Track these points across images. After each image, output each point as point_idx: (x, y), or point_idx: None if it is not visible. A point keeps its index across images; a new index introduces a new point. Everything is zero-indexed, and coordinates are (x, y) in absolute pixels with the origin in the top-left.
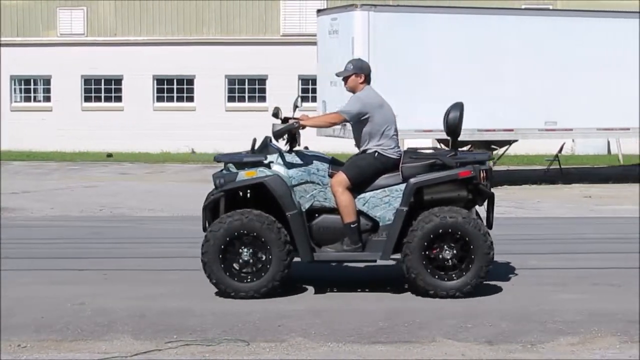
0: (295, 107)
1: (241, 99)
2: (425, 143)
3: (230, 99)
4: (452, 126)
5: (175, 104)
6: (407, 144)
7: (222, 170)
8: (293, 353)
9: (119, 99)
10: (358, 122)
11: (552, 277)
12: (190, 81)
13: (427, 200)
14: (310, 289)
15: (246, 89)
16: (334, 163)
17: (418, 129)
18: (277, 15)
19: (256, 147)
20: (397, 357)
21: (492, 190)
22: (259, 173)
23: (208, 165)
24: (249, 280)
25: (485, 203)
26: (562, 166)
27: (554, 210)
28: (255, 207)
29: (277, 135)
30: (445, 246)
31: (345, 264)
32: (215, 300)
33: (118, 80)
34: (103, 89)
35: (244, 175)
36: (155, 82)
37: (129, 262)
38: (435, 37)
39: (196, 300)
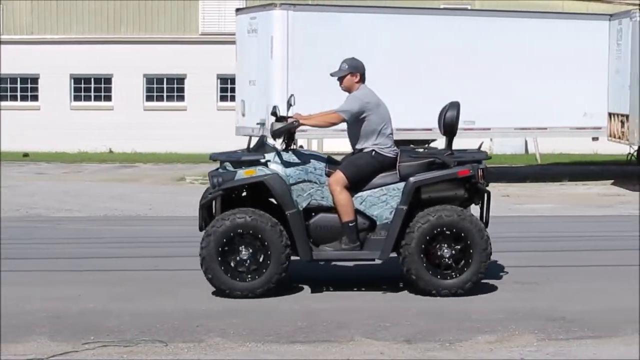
0: (290, 105)
1: (159, 98)
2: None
3: (149, 98)
4: (449, 125)
5: (92, 103)
6: (327, 144)
7: (217, 169)
8: (211, 353)
9: (35, 98)
10: (355, 121)
11: None
12: (108, 80)
13: (425, 199)
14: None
15: (164, 88)
16: (331, 162)
17: (337, 128)
18: (195, 14)
19: (251, 145)
20: (315, 356)
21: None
22: (258, 172)
23: (126, 164)
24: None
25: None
26: None
27: (472, 209)
28: (251, 206)
29: (277, 134)
30: (443, 245)
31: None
32: (132, 301)
33: (34, 79)
34: (19, 88)
35: (243, 174)
36: (72, 81)
37: (46, 263)
38: (355, 36)
39: (114, 301)
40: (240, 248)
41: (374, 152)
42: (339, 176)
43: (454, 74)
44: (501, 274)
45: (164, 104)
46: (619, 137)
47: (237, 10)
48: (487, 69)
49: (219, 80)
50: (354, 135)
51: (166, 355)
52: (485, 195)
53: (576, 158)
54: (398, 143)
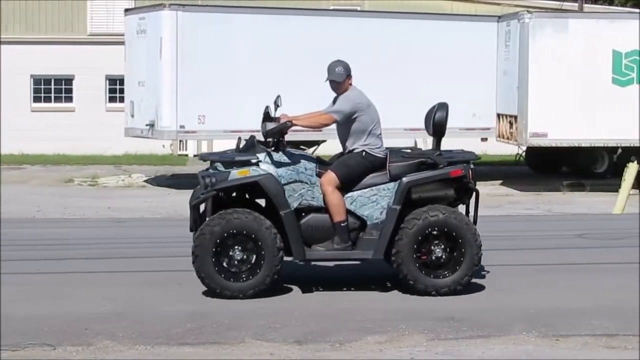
0: (277, 106)
1: (47, 99)
2: (232, 144)
3: (36, 99)
4: (439, 126)
5: None
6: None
7: (207, 169)
8: (100, 356)
9: None
10: (346, 122)
11: (359, 276)
12: None
13: (415, 199)
14: (119, 290)
15: (52, 89)
16: (320, 162)
17: (226, 129)
18: (84, 15)
19: (241, 146)
20: (206, 357)
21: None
22: (252, 172)
23: (13, 166)
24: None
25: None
26: None
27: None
28: (239, 207)
29: (271, 134)
30: (435, 244)
31: None
32: (19, 304)
33: None
34: None
35: (237, 174)
36: None
37: None
38: (244, 37)
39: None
40: (234, 248)
41: (364, 153)
42: (330, 176)
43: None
44: (388, 275)
45: (52, 105)
46: (508, 138)
47: (126, 10)
48: (376, 70)
49: (107, 81)
50: (344, 135)
51: (54, 358)
52: (474, 194)
53: None
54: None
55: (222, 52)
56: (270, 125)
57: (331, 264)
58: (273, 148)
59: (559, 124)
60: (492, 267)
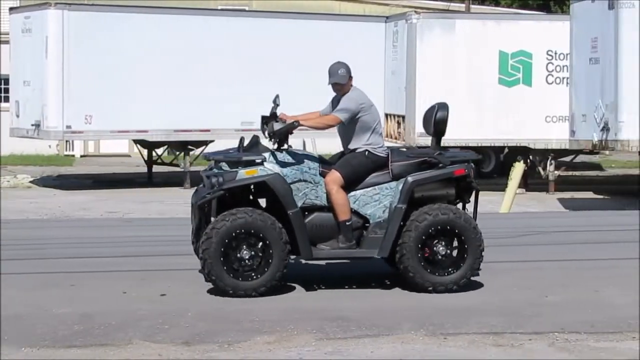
0: (276, 105)
1: None
2: (123, 144)
3: None
4: (440, 125)
5: None
6: (103, 145)
7: (211, 169)
8: None
9: None
10: (349, 122)
11: None
12: None
13: (417, 198)
14: (8, 292)
15: None
16: (323, 162)
17: (114, 129)
18: None
19: (243, 145)
20: (93, 359)
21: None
22: (260, 171)
23: None
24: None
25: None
26: None
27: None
28: (241, 206)
29: (278, 134)
30: (439, 243)
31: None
32: None
33: None
34: None
35: (244, 173)
36: None
37: None
38: (132, 37)
39: None
40: (241, 248)
41: (367, 152)
42: (335, 176)
43: (232, 75)
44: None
45: None
46: (396, 138)
47: (11, 9)
48: (267, 70)
49: None
50: (347, 135)
51: None
52: (474, 193)
53: None
54: (174, 145)
55: (109, 51)
56: (278, 125)
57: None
58: (276, 147)
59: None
60: (383, 267)
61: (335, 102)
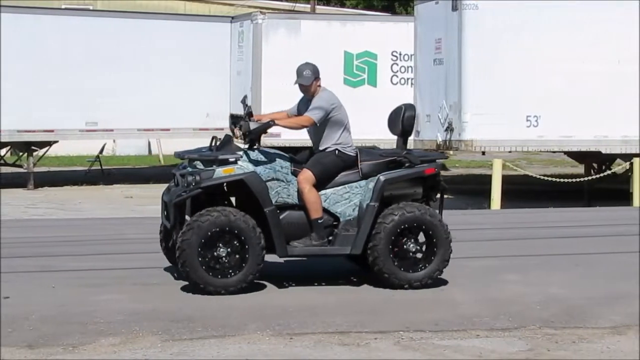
0: (245, 105)
1: None
2: None
3: None
4: (408, 126)
5: None
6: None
7: (184, 167)
8: None
9: None
10: (321, 122)
11: (92, 278)
12: None
13: (386, 196)
14: None
15: None
16: (294, 161)
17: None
18: None
19: (216, 144)
20: None
21: None
22: (237, 170)
23: None
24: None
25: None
26: (104, 167)
27: (95, 211)
28: (213, 205)
29: (255, 133)
30: (409, 240)
31: None
32: None
33: None
34: None
35: (222, 172)
36: None
37: None
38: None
39: None
40: (219, 246)
41: (337, 151)
42: (307, 175)
43: (76, 75)
44: (120, 276)
45: None
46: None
47: None
48: (111, 70)
49: None
50: (318, 134)
51: None
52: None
53: None
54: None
55: None
56: (254, 125)
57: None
58: (248, 146)
59: None
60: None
61: (303, 102)
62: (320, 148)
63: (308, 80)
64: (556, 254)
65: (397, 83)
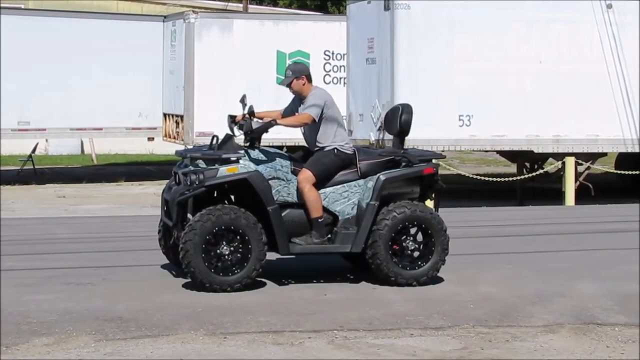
0: (244, 104)
1: None
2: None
3: None
4: (405, 126)
5: None
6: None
7: (186, 166)
8: None
9: None
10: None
11: (24, 277)
12: None
13: (384, 195)
14: None
15: None
16: (293, 160)
17: None
18: None
19: (215, 143)
20: None
21: None
22: (240, 169)
23: None
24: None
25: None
26: (36, 166)
27: (28, 210)
28: (213, 203)
29: (257, 132)
30: (408, 238)
31: None
32: None
33: None
34: None
35: (226, 171)
36: None
37: None
38: None
39: None
40: (221, 244)
41: (336, 150)
42: (307, 174)
43: (7, 75)
44: (52, 276)
45: None
46: (174, 137)
47: None
48: (43, 69)
49: None
50: (313, 133)
51: None
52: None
53: (132, 158)
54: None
55: None
56: (256, 124)
57: None
58: (248, 145)
59: (224, 123)
60: (155, 267)
61: (295, 102)
62: (318, 146)
63: (286, 80)
64: (488, 253)
65: (329, 82)
